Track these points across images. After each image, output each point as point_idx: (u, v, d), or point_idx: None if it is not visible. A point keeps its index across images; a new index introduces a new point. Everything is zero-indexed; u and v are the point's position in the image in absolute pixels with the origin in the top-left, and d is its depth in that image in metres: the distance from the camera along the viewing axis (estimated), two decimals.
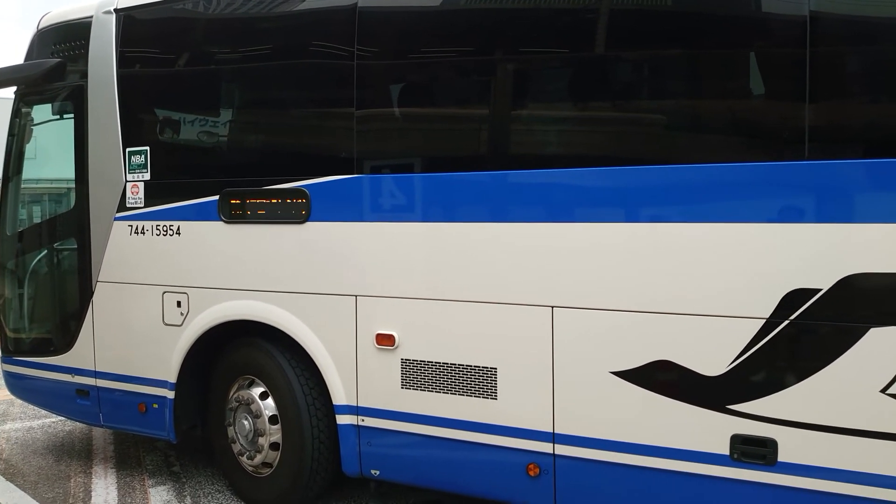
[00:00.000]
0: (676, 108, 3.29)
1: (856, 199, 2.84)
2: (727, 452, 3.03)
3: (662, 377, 3.14)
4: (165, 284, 4.39)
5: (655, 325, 3.14)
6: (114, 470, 5.02)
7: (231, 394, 4.35)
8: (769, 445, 2.96)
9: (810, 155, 2.86)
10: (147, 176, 4.42)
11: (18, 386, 5.23)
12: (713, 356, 3.04)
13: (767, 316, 2.93)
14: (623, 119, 3.41)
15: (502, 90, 3.61)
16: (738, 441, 3.01)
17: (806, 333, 2.91)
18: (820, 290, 2.85)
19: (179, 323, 4.34)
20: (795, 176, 2.89)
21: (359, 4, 3.76)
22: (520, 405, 3.44)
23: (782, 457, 2.94)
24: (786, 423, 2.92)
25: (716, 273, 3.03)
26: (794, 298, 2.89)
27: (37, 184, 5.51)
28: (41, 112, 5.05)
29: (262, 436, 4.17)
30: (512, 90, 3.60)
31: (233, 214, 4.14)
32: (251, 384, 4.27)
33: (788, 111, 2.97)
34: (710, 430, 3.06)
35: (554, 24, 3.47)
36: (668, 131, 3.30)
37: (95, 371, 4.71)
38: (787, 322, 2.91)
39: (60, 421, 6.08)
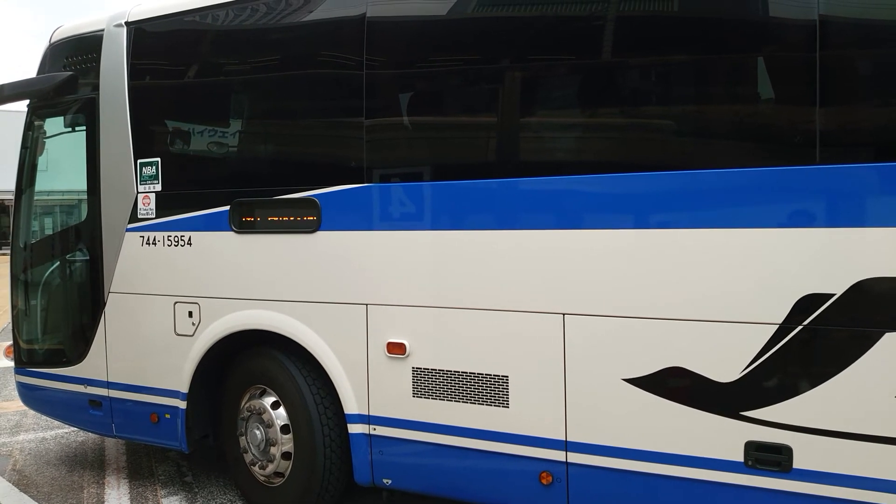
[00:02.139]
0: (687, 114, 3.28)
1: (868, 203, 2.82)
2: (741, 459, 3.01)
3: (675, 384, 3.13)
4: (177, 295, 4.41)
5: (668, 331, 3.12)
6: (126, 480, 5.03)
7: (243, 403, 4.36)
8: (784, 452, 2.94)
9: (822, 159, 2.85)
10: (158, 187, 4.45)
11: (31, 397, 5.26)
12: (726, 362, 3.03)
13: (780, 321, 2.92)
14: (632, 125, 3.41)
15: (510, 98, 3.62)
16: (752, 448, 2.99)
17: (819, 339, 2.90)
18: (833, 294, 2.83)
19: (191, 333, 4.36)
20: (807, 180, 2.88)
21: (367, 14, 3.78)
22: (532, 413, 3.43)
23: (797, 463, 2.92)
24: (801, 429, 2.90)
25: (728, 279, 3.02)
26: (807, 304, 2.87)
27: (48, 196, 5.55)
28: (53, 125, 5.10)
29: (273, 445, 4.17)
30: (520, 98, 3.60)
31: (243, 224, 4.16)
32: (263, 394, 4.27)
33: (799, 116, 2.96)
34: (724, 437, 3.04)
35: (562, 31, 3.48)
36: (678, 137, 3.30)
37: (108, 381, 4.73)
38: (800, 327, 2.89)
39: (73, 431, 6.11)
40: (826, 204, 2.88)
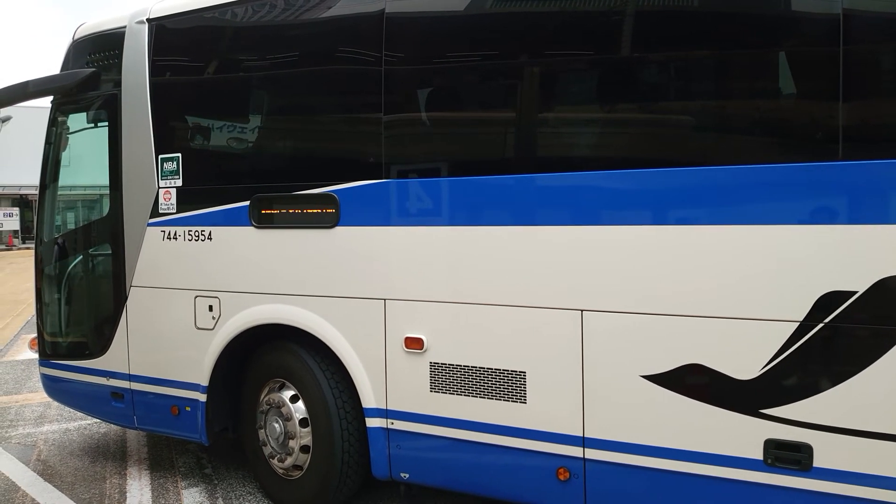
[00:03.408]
0: (707, 110, 3.26)
1: (891, 199, 2.78)
2: (761, 457, 3.00)
3: (694, 381, 3.11)
4: (197, 289, 4.46)
5: (687, 328, 3.11)
6: (148, 471, 5.10)
7: (262, 397, 4.40)
8: (804, 450, 2.91)
9: (844, 155, 2.82)
10: (179, 182, 4.49)
11: (55, 388, 5.35)
12: (746, 360, 3.01)
13: (801, 319, 2.89)
14: (652, 121, 3.39)
15: (529, 94, 3.61)
16: (771, 446, 2.97)
17: (841, 336, 2.87)
18: (855, 292, 2.80)
19: (211, 327, 4.40)
20: (829, 177, 2.85)
21: (386, 10, 3.79)
22: (549, 409, 3.43)
23: (818, 462, 2.90)
24: (821, 427, 2.88)
25: (748, 276, 2.99)
26: (828, 301, 2.84)
27: (71, 191, 5.63)
28: (76, 120, 5.16)
29: (292, 438, 4.21)
30: (539, 94, 3.60)
31: (263, 220, 4.19)
32: (282, 387, 4.31)
33: (822, 111, 2.93)
34: (744, 435, 3.02)
35: (581, 27, 3.46)
36: (698, 133, 3.27)
37: (129, 374, 4.79)
38: (821, 325, 2.86)
39: (96, 423, 6.21)
40: (848, 200, 2.85)
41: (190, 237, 4.45)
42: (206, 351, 4.40)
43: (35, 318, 5.46)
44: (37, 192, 5.48)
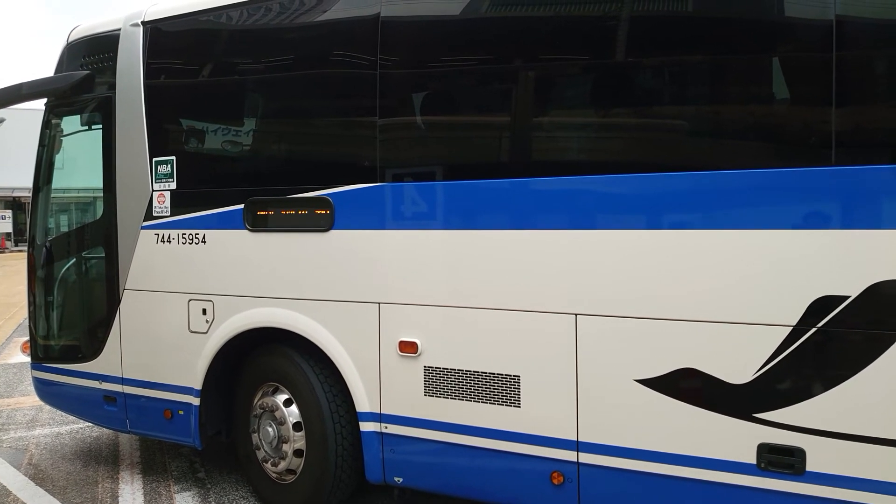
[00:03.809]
0: (702, 115, 3.27)
1: (884, 204, 2.80)
2: (754, 461, 3.00)
3: (688, 385, 3.12)
4: (191, 292, 4.44)
5: (680, 332, 3.12)
6: (140, 476, 5.08)
7: (255, 401, 4.39)
8: (797, 454, 2.92)
9: (837, 160, 2.83)
10: (173, 185, 4.49)
11: (47, 392, 5.32)
12: (739, 364, 3.02)
13: (794, 323, 2.90)
14: (646, 126, 3.40)
15: (524, 98, 3.62)
16: (765, 450, 2.98)
17: (834, 341, 2.88)
18: (848, 297, 2.82)
19: (205, 330, 4.39)
20: (822, 182, 2.87)
21: (381, 14, 3.80)
22: (543, 413, 3.44)
23: (811, 466, 2.90)
24: (814, 431, 2.89)
25: (741, 280, 3.00)
26: (821, 306, 2.86)
27: (65, 193, 5.60)
28: (70, 123, 5.15)
29: (286, 442, 4.20)
30: (533, 98, 3.61)
31: (257, 223, 4.18)
32: (275, 391, 4.30)
33: (815, 116, 2.95)
34: (737, 439, 3.03)
35: (576, 31, 3.48)
36: (692, 138, 3.29)
37: (122, 378, 4.77)
38: (814, 329, 2.88)
39: (88, 427, 6.17)
40: (841, 206, 2.86)
41: (184, 240, 4.44)
42: (200, 354, 4.39)
43: (27, 321, 5.43)
44: (30, 194, 5.45)
